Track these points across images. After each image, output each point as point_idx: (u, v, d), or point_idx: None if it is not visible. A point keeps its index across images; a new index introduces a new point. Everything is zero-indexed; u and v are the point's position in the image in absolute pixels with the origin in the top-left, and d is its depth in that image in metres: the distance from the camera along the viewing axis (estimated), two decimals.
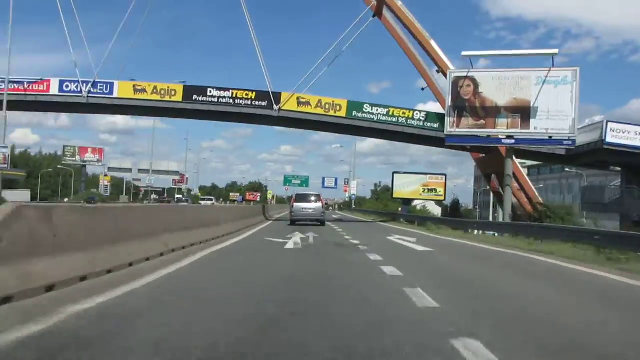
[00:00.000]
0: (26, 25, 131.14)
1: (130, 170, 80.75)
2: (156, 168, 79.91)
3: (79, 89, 27.08)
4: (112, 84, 27.28)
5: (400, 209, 45.03)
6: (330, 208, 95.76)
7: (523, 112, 22.27)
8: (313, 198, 23.88)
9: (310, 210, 23.46)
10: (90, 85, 27.12)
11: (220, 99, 27.14)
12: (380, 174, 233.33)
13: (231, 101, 27.14)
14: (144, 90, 27.13)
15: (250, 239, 13.81)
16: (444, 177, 43.71)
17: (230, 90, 27.26)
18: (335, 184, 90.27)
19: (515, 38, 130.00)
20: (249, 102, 27.16)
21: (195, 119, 31.00)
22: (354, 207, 60.50)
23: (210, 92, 27.20)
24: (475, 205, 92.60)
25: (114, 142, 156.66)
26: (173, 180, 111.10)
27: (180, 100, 27.13)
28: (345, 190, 77.03)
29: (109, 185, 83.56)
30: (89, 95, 27.04)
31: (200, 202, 68.05)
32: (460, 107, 23.39)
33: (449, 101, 23.62)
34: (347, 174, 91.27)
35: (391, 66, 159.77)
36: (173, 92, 27.17)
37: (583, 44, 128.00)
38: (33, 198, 70.60)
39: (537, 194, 25.98)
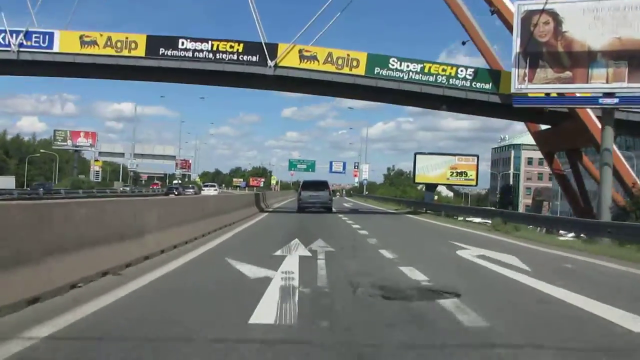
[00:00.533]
0: None
1: (122, 154, 73.80)
2: (150, 152, 73.00)
3: (6, 42, 19.91)
4: (51, 35, 20.00)
5: (435, 198, 37.67)
6: (337, 194, 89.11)
7: (632, 57, 14.90)
8: (320, 186, 23.73)
9: (318, 198, 22.95)
10: (22, 35, 19.95)
11: (197, 54, 19.87)
12: (388, 159, 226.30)
13: (211, 56, 19.91)
14: (94, 43, 19.86)
15: (189, 269, 6.59)
16: (476, 158, 36.52)
17: (210, 42, 19.94)
18: (344, 168, 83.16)
19: None
20: (235, 57, 19.92)
21: (163, 81, 23.72)
22: (366, 193, 52.78)
23: (183, 44, 19.89)
24: (494, 191, 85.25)
25: (121, 129, 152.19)
26: (176, 164, 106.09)
27: (143, 55, 19.90)
28: (355, 175, 69.88)
29: (101, 170, 76.93)
30: (21, 49, 19.87)
31: (204, 188, 63.57)
32: (535, 54, 15.97)
33: (516, 45, 16.18)
34: (354, 160, 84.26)
35: (401, 46, 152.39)
36: (133, 45, 19.88)
37: None
38: (21, 184, 65.10)
39: (636, 178, 18.67)
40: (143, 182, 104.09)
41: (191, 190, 55.58)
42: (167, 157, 73.79)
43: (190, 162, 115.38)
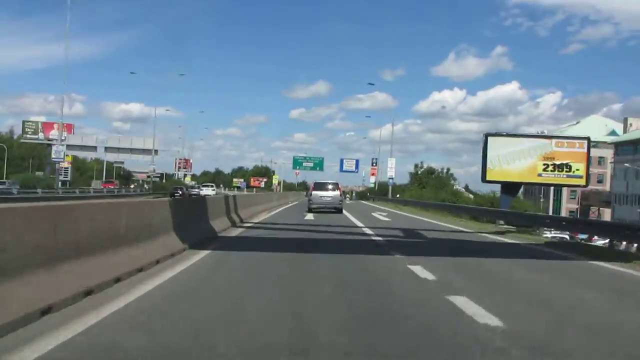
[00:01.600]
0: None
1: (94, 148, 60.22)
2: (127, 146, 59.54)
3: None
4: None
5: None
6: (347, 197, 75.86)
7: None
8: (331, 186, 22.59)
9: (329, 199, 21.97)
10: None
11: None
12: (397, 161, 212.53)
13: None
14: None
15: None
16: (585, 142, 22.77)
17: None
18: (356, 167, 69.35)
19: (532, 24, 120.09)
20: None
21: None
22: (397, 196, 37.59)
23: None
24: (531, 194, 70.68)
25: (127, 130, 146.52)
26: (177, 164, 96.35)
27: None
28: (373, 174, 56.13)
29: (70, 167, 63.52)
30: None
31: (202, 188, 60.40)
32: None
33: None
34: (362, 163, 70.48)
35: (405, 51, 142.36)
36: None
37: (602, 30, 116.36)
38: None
39: None
40: (135, 183, 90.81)
41: (196, 190, 53.29)
42: (148, 151, 60.32)
43: (190, 160, 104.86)
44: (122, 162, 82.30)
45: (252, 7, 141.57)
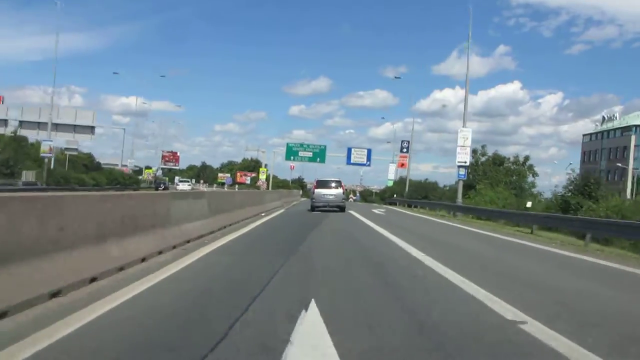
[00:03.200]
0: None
1: (3, 122, 41.55)
2: (70, 122, 41.07)
3: None
4: None
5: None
6: (351, 197, 57.53)
7: None
8: (334, 184, 21.96)
9: (331, 197, 21.48)
10: None
11: None
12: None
13: None
14: None
15: None
16: None
17: None
18: (368, 158, 50.69)
19: (536, 25, 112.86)
20: None
21: None
22: (464, 202, 17.98)
23: None
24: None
25: (126, 124, 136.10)
26: (163, 158, 79.17)
27: None
28: (402, 165, 37.62)
29: None
30: None
31: (179, 184, 56.98)
32: None
33: None
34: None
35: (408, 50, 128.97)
36: None
37: (606, 31, 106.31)
38: None
39: None
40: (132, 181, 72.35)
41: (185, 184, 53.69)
42: (81, 128, 41.80)
43: (178, 154, 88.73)
44: (76, 149, 63.18)
45: (258, 9, 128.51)
